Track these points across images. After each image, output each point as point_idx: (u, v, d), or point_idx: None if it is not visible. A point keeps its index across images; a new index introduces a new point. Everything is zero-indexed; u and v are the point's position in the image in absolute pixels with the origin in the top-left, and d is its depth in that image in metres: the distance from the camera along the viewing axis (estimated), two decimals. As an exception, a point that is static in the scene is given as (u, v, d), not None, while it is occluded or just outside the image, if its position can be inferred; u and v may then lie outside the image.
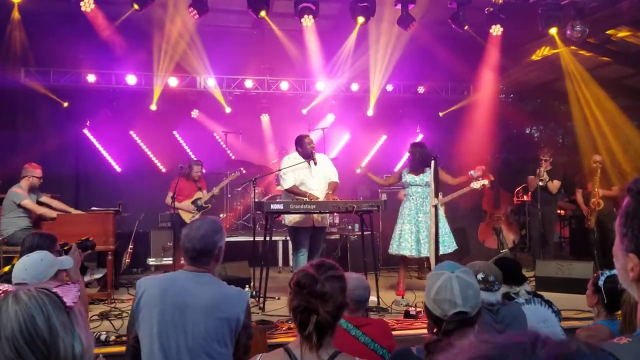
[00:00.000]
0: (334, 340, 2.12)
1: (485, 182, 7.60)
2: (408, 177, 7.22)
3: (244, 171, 10.16)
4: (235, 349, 2.73)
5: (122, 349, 4.49)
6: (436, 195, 6.90)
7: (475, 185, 7.55)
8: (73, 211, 7.15)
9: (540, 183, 8.29)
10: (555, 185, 8.45)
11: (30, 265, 2.86)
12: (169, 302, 2.63)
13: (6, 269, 4.14)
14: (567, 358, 0.66)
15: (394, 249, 7.16)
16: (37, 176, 7.10)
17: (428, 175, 7.04)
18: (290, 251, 8.94)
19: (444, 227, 7.17)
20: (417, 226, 7.02)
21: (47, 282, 2.88)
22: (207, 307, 2.62)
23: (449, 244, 7.09)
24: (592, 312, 3.28)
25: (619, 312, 2.99)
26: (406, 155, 11.63)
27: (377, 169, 11.09)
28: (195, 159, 9.52)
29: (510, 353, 0.67)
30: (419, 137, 12.01)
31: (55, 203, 7.26)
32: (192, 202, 8.67)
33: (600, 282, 3.08)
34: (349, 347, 2.79)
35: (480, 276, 3.02)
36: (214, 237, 2.79)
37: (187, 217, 8.52)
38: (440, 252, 6.96)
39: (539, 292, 3.74)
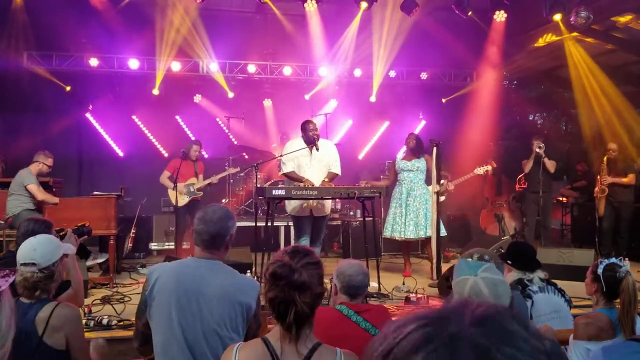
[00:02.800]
0: (313, 330, 2.06)
1: (489, 167, 7.66)
2: (401, 164, 7.47)
3: (246, 156, 10.17)
4: (245, 337, 2.74)
5: (124, 333, 4.54)
6: (438, 182, 6.94)
7: (479, 171, 7.59)
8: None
9: (538, 149, 8.22)
10: (552, 163, 8.43)
11: (38, 246, 2.86)
12: (184, 290, 2.61)
13: (1, 253, 4.16)
14: (489, 317, 0.76)
15: (388, 233, 7.46)
16: (48, 164, 7.16)
17: (419, 162, 7.36)
18: (292, 237, 8.97)
19: (430, 213, 7.29)
20: (406, 209, 7.28)
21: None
22: (221, 295, 2.60)
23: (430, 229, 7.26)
24: (592, 299, 3.29)
25: (618, 300, 3.00)
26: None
27: (379, 155, 11.13)
28: (194, 141, 9.47)
29: (443, 314, 0.77)
30: (422, 124, 12.01)
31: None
32: (185, 187, 8.61)
33: (599, 271, 3.08)
34: (350, 333, 2.80)
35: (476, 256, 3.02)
36: (228, 222, 2.78)
37: (174, 198, 8.46)
38: (425, 236, 7.25)
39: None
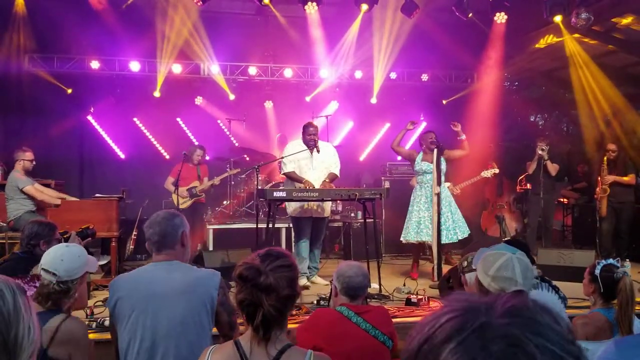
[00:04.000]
0: (285, 332, 2.07)
1: (496, 170, 7.68)
2: (423, 165, 7.21)
3: (247, 158, 10.19)
4: (219, 327, 2.76)
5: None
6: (439, 184, 6.94)
7: (486, 174, 7.60)
8: (65, 198, 7.04)
9: (540, 152, 8.26)
10: (554, 166, 8.46)
11: (67, 258, 2.81)
12: (142, 295, 2.65)
13: (5, 256, 4.17)
14: (519, 309, 0.79)
15: (412, 237, 7.17)
16: (28, 159, 7.11)
17: (442, 162, 7.14)
18: (293, 238, 8.98)
19: (457, 213, 7.32)
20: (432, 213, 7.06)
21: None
22: (179, 293, 2.64)
23: (464, 230, 7.27)
24: (590, 300, 3.32)
25: (615, 300, 3.02)
26: (411, 141, 11.72)
27: (380, 157, 11.14)
28: (197, 143, 9.54)
29: (476, 305, 0.80)
30: (423, 125, 12.02)
31: (47, 190, 7.27)
32: (187, 190, 8.70)
33: (597, 271, 3.11)
34: (351, 333, 2.82)
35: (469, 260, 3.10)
36: (173, 220, 2.84)
37: (181, 202, 8.53)
38: (456, 240, 7.22)
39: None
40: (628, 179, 8.34)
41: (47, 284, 2.74)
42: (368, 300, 5.82)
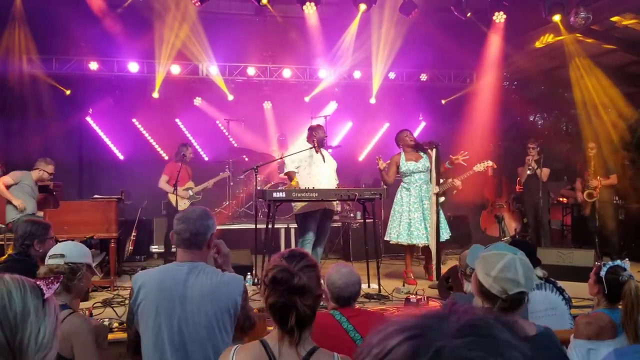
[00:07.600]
0: (311, 333, 2.06)
1: (490, 163, 7.62)
2: (410, 166, 7.02)
3: (246, 159, 10.18)
4: (234, 332, 2.75)
5: (125, 335, 4.54)
6: (437, 183, 6.92)
7: (479, 167, 7.55)
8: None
9: (529, 172, 8.38)
10: (545, 172, 8.50)
11: (70, 245, 2.98)
12: (167, 295, 2.63)
13: (2, 258, 4.15)
14: (475, 326, 0.74)
15: (403, 239, 6.95)
16: (49, 171, 7.36)
17: (426, 160, 7.06)
18: (293, 238, 8.97)
19: (442, 215, 7.23)
20: (423, 214, 6.96)
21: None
22: (205, 297, 2.62)
23: (447, 231, 7.17)
24: (592, 300, 3.32)
25: (619, 303, 3.02)
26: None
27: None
28: (187, 143, 9.53)
29: (428, 323, 0.75)
30: (422, 125, 12.02)
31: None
32: (184, 190, 8.72)
33: (602, 273, 3.11)
34: (341, 339, 2.74)
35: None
36: (207, 221, 2.80)
37: (179, 203, 8.51)
38: (444, 239, 7.12)
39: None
40: (611, 179, 8.45)
41: (56, 266, 2.79)
42: (368, 300, 5.82)
